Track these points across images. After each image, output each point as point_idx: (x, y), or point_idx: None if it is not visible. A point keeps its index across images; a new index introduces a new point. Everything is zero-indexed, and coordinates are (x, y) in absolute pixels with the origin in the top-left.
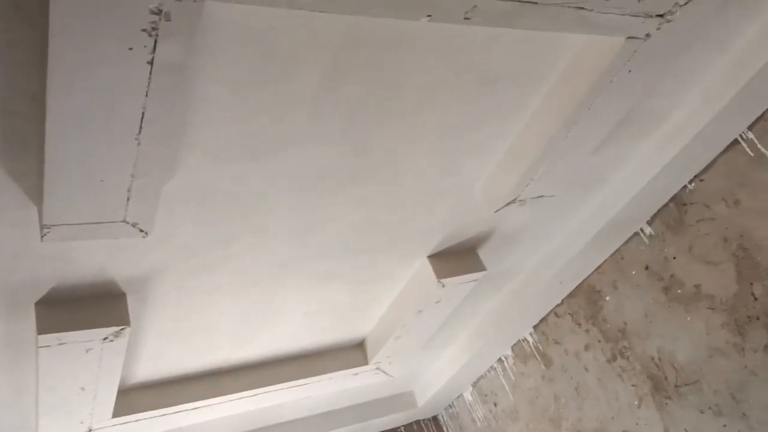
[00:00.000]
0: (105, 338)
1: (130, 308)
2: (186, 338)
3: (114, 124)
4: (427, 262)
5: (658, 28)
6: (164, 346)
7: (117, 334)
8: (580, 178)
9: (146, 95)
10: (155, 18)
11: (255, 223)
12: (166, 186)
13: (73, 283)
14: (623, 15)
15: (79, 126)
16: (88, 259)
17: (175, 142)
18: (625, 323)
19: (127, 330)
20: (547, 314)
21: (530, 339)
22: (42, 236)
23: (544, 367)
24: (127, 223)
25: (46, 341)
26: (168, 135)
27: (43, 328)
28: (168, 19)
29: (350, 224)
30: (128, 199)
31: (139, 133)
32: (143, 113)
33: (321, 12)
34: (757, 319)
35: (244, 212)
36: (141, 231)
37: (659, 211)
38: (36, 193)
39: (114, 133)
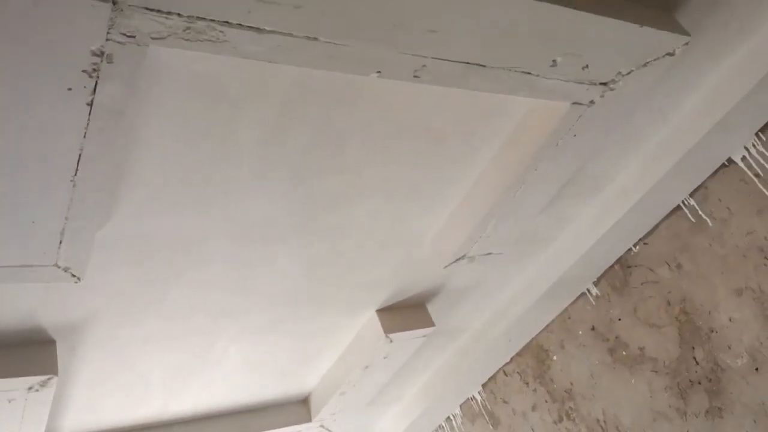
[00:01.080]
0: (30, 388)
1: (58, 356)
2: (117, 390)
3: (49, 164)
4: (375, 316)
5: (602, 96)
6: (94, 398)
7: (43, 384)
8: (528, 237)
9: (84, 137)
10: (97, 59)
11: (194, 272)
12: (101, 230)
13: None
14: (568, 81)
15: (10, 165)
16: (16, 304)
17: (112, 186)
18: (572, 383)
19: (55, 379)
20: (496, 372)
21: (479, 397)
22: None
23: (491, 427)
24: (59, 267)
25: None
26: (105, 178)
27: None
28: (110, 62)
29: (293, 275)
30: (60, 242)
31: (75, 174)
32: (80, 155)
33: (270, 62)
34: (699, 383)
35: (183, 260)
36: (73, 276)
37: (605, 272)
38: None
39: (48, 174)
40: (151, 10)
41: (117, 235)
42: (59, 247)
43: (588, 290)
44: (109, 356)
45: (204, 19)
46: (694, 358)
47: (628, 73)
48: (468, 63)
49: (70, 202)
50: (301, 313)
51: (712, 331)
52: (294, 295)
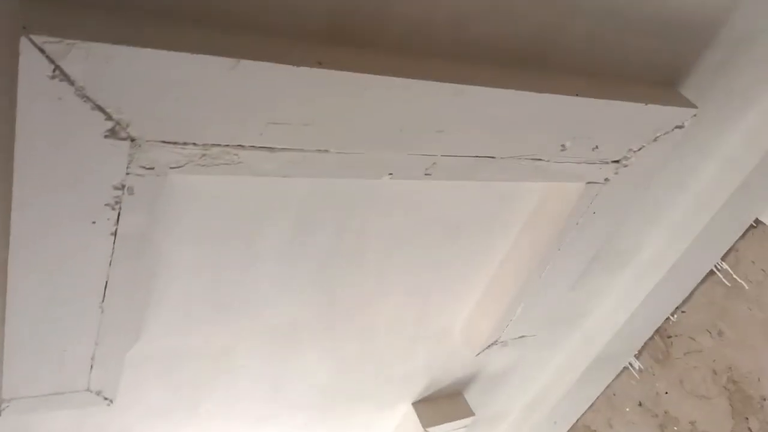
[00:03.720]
0: None
1: None
2: None
3: (77, 293)
4: (411, 409)
5: (615, 173)
6: None
7: None
8: (560, 316)
9: (110, 264)
10: (118, 193)
11: (225, 381)
12: (130, 350)
13: None
14: (580, 163)
15: (41, 300)
16: (47, 430)
17: (139, 307)
18: None
19: None
20: None
21: None
22: (0, 411)
23: None
24: (91, 391)
25: None
26: (132, 301)
27: None
28: (131, 193)
29: (325, 377)
30: (91, 367)
31: (103, 301)
32: (107, 282)
33: (284, 177)
34: None
35: (213, 370)
36: (105, 399)
37: (646, 344)
38: None
39: (76, 303)
40: (168, 142)
41: (146, 353)
42: (90, 372)
43: (630, 364)
44: None
45: (218, 145)
46: (749, 429)
47: (640, 149)
48: (477, 156)
49: (99, 328)
50: (335, 413)
51: (765, 399)
52: (327, 395)
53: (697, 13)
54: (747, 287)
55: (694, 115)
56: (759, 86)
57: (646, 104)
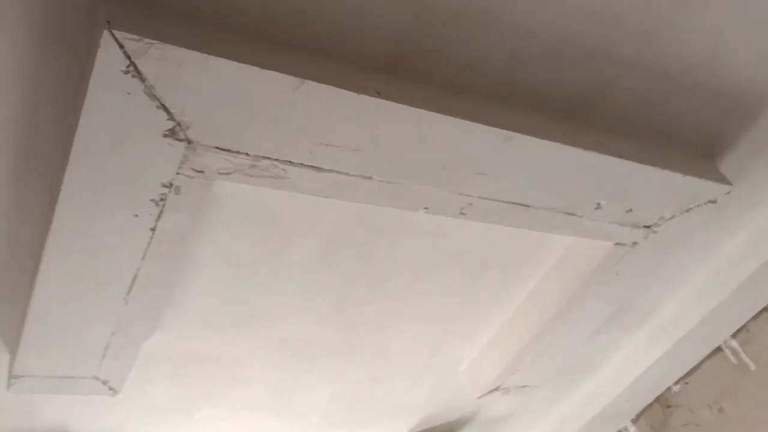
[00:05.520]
0: None
1: None
2: None
3: (105, 284)
4: None
5: (645, 237)
6: None
7: None
8: (567, 369)
9: (143, 258)
10: (165, 190)
11: (232, 390)
12: (144, 346)
13: None
14: (611, 223)
15: (69, 285)
16: (48, 413)
17: (161, 305)
18: None
19: None
20: None
21: None
22: (9, 386)
23: None
24: (98, 379)
25: None
26: (156, 297)
27: None
28: (177, 193)
29: (331, 396)
30: (104, 356)
31: (129, 293)
32: (136, 275)
33: (325, 198)
34: None
35: (222, 378)
36: (111, 389)
37: (644, 410)
38: (11, 341)
39: (103, 291)
40: (222, 149)
41: (159, 351)
42: (102, 361)
43: (626, 428)
44: None
45: (268, 158)
46: None
47: (671, 218)
48: (513, 203)
49: (119, 318)
50: None
51: None
52: (330, 416)
53: (746, 89)
54: (753, 367)
55: (728, 193)
56: None
57: (684, 175)
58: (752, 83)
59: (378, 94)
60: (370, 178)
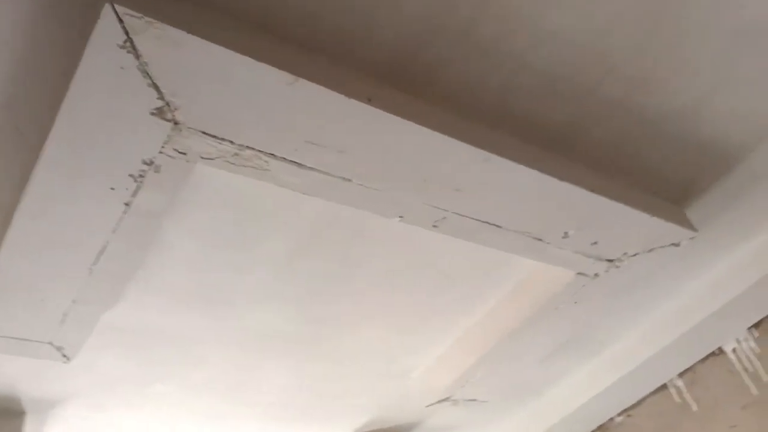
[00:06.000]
0: None
1: (26, 429)
2: None
3: (73, 252)
4: None
5: (606, 271)
6: None
7: None
8: (516, 388)
9: (113, 232)
10: (145, 167)
11: (185, 369)
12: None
13: None
14: (576, 253)
15: (37, 248)
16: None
17: (125, 279)
18: None
19: None
20: None
21: None
22: None
23: None
24: (53, 345)
25: None
26: (122, 271)
27: None
28: (157, 171)
29: (284, 387)
30: (62, 323)
31: (94, 264)
32: (104, 247)
33: (304, 194)
34: None
35: (178, 356)
36: (64, 356)
37: None
38: None
39: (69, 258)
40: (207, 134)
41: (117, 323)
42: (59, 327)
43: None
44: None
45: (253, 149)
46: None
47: (634, 255)
48: (486, 222)
49: (81, 288)
50: (278, 427)
51: None
52: (280, 407)
53: (724, 142)
54: (695, 408)
55: (692, 238)
56: (758, 226)
57: (651, 216)
58: (730, 137)
59: (369, 101)
60: (350, 180)
